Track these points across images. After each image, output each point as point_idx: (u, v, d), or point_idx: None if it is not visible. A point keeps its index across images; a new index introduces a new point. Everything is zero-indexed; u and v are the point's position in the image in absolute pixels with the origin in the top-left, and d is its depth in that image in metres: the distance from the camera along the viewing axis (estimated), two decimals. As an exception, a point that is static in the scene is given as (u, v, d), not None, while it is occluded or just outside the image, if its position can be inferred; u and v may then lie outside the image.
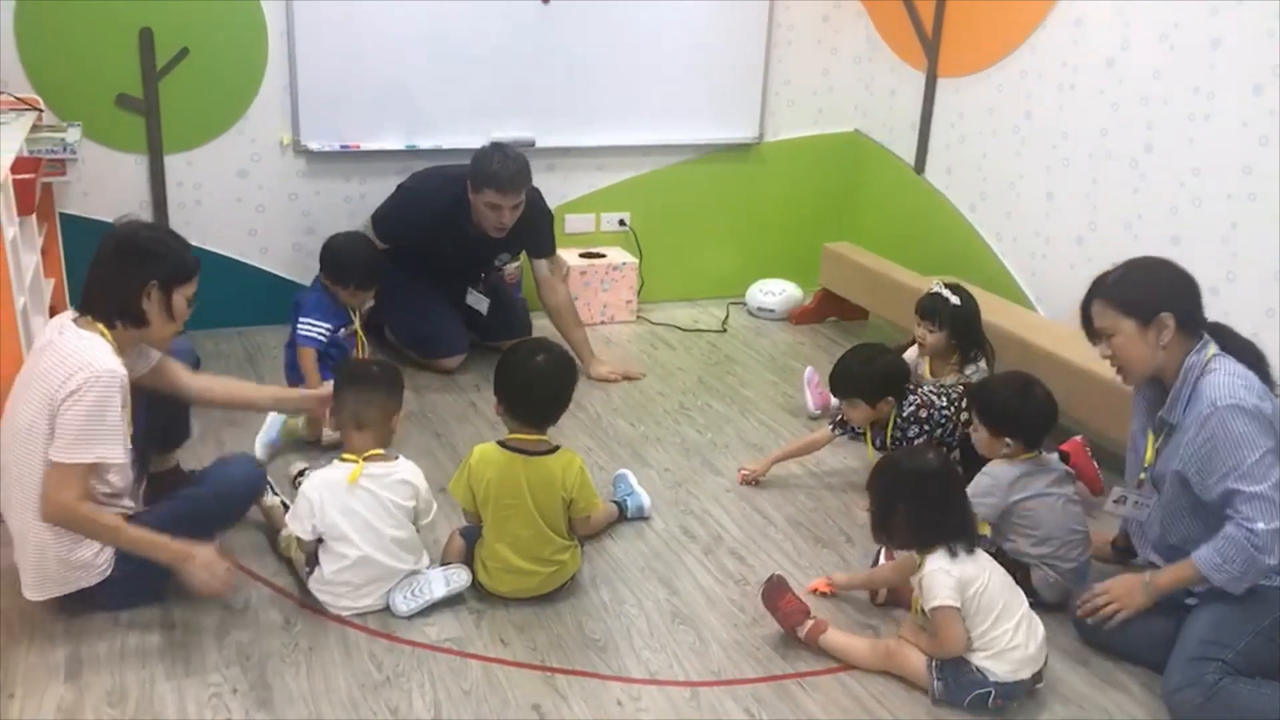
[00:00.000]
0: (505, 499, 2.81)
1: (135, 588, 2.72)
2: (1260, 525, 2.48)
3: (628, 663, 2.67)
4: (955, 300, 3.66)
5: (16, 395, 2.63)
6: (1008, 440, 2.93)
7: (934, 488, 2.58)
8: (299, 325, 3.80)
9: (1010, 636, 2.52)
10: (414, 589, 2.80)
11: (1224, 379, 2.56)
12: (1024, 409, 2.94)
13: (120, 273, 2.68)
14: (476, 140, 4.72)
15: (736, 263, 5.38)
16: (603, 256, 5.02)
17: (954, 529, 2.56)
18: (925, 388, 3.55)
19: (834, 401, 3.72)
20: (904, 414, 3.43)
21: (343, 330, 3.86)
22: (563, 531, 2.87)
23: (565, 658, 2.68)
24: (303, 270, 4.73)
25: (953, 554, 2.53)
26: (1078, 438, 3.51)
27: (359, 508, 2.75)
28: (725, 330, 5.01)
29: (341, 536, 2.75)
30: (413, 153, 4.70)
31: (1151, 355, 2.63)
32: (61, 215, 4.28)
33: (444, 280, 4.39)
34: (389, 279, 4.30)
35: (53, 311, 4.12)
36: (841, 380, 3.48)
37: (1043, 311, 4.33)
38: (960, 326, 3.66)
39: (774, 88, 5.22)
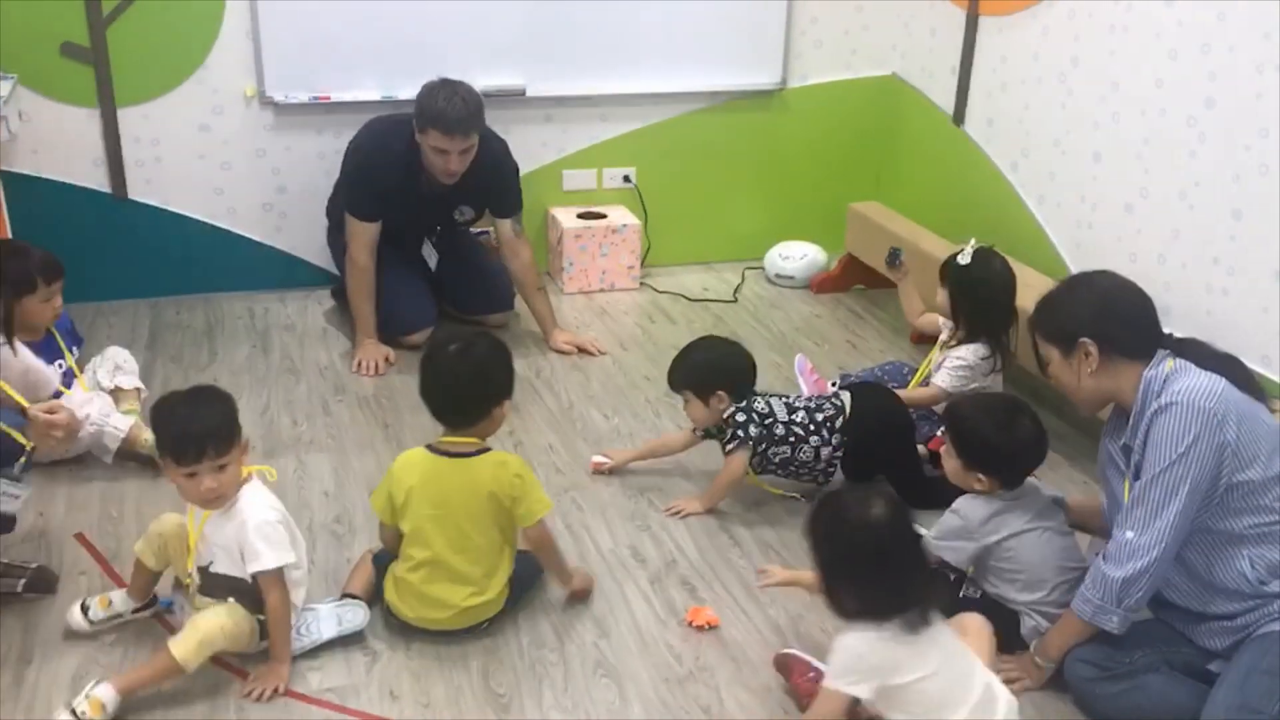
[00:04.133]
0: (427, 509, 2.45)
1: None
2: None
3: (530, 727, 2.29)
4: (962, 260, 3.24)
5: None
6: (980, 475, 2.48)
7: (879, 547, 2.03)
8: None
9: None
10: (300, 627, 2.45)
11: (1186, 381, 2.20)
12: (1005, 444, 2.47)
13: None
14: (462, 89, 4.32)
15: (756, 223, 4.88)
16: (603, 217, 4.57)
17: (908, 599, 2.03)
18: (787, 397, 3.12)
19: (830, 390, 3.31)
20: (724, 415, 3.02)
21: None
22: (496, 549, 2.48)
23: (460, 716, 2.30)
24: (274, 233, 4.40)
25: (909, 627, 2.02)
26: None
27: None
28: (736, 300, 4.54)
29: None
30: (390, 103, 4.28)
31: (1078, 384, 2.34)
32: (7, 174, 3.97)
33: (403, 237, 4.00)
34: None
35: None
36: (672, 370, 3.12)
37: (1087, 289, 3.77)
38: (962, 292, 3.25)
39: (799, 26, 4.67)
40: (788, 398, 3.11)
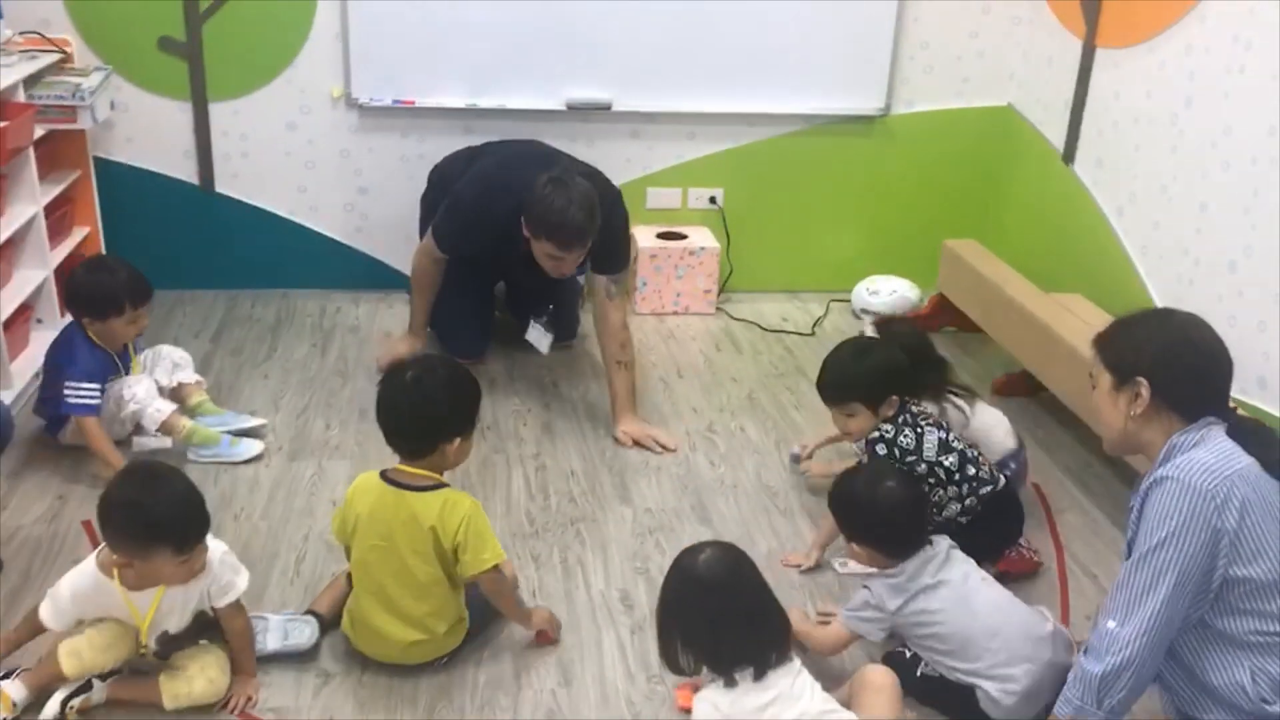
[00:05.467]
0: (373, 539, 2.37)
1: None
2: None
3: (459, 775, 2.18)
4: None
5: None
6: (855, 546, 2.40)
7: (709, 603, 2.02)
8: (68, 392, 3.04)
9: None
10: (248, 637, 2.40)
11: (1193, 455, 1.96)
12: (872, 512, 2.34)
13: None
14: (546, 101, 4.28)
15: (846, 254, 4.66)
16: (683, 238, 4.43)
17: (737, 654, 2.00)
18: (944, 430, 2.79)
19: None
20: (871, 434, 2.75)
21: (111, 378, 3.19)
22: (442, 587, 2.37)
23: (393, 754, 2.22)
24: (354, 233, 4.43)
25: (730, 684, 2.00)
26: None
27: None
28: (814, 334, 4.32)
29: None
30: (474, 111, 4.26)
31: (1118, 421, 2.09)
32: (104, 161, 4.12)
33: (487, 272, 3.89)
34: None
35: (75, 260, 3.99)
36: (841, 382, 2.80)
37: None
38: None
39: (907, 50, 4.43)
40: (944, 431, 2.79)
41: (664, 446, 3.39)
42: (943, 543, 2.38)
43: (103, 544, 2.24)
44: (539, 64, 4.23)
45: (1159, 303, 3.56)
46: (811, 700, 2.00)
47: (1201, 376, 2.05)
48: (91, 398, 3.06)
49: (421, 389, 2.34)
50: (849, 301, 4.55)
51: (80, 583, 2.24)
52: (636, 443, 3.41)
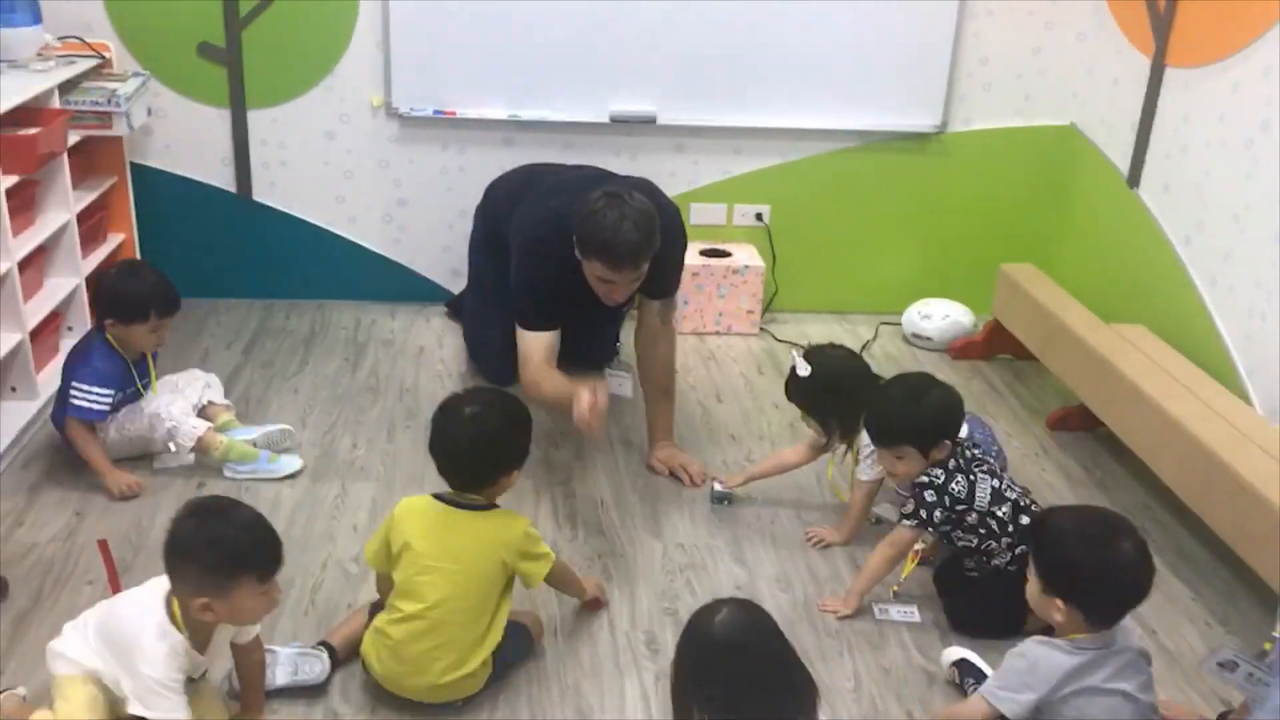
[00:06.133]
0: (426, 560, 2.28)
1: None
2: None
3: (465, 831, 2.06)
4: (802, 371, 2.91)
5: None
6: (1059, 603, 2.08)
7: (727, 666, 1.81)
8: (74, 393, 2.96)
9: None
10: (258, 672, 2.30)
11: None
12: (1094, 565, 2.04)
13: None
14: (588, 113, 4.16)
15: (897, 276, 4.50)
16: (727, 255, 4.30)
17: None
18: (998, 477, 2.64)
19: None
20: (915, 480, 2.61)
21: (124, 394, 3.11)
22: (488, 614, 2.30)
23: (398, 804, 2.10)
24: (392, 244, 4.34)
25: None
26: None
27: None
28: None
29: None
30: (516, 123, 4.16)
31: None
32: (141, 168, 4.07)
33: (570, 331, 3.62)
34: (484, 274, 3.72)
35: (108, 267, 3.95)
36: (893, 426, 2.64)
37: (1257, 400, 3.22)
38: (818, 400, 2.95)
39: (966, 66, 4.26)
40: (998, 479, 2.62)
41: (690, 478, 3.24)
42: (1132, 636, 2.13)
43: (165, 601, 2.06)
44: (582, 75, 4.12)
45: (1226, 337, 3.37)
46: None
47: None
48: (99, 402, 3.00)
49: (480, 426, 2.33)
50: (900, 325, 4.40)
51: (177, 659, 2.03)
52: (670, 471, 3.28)
